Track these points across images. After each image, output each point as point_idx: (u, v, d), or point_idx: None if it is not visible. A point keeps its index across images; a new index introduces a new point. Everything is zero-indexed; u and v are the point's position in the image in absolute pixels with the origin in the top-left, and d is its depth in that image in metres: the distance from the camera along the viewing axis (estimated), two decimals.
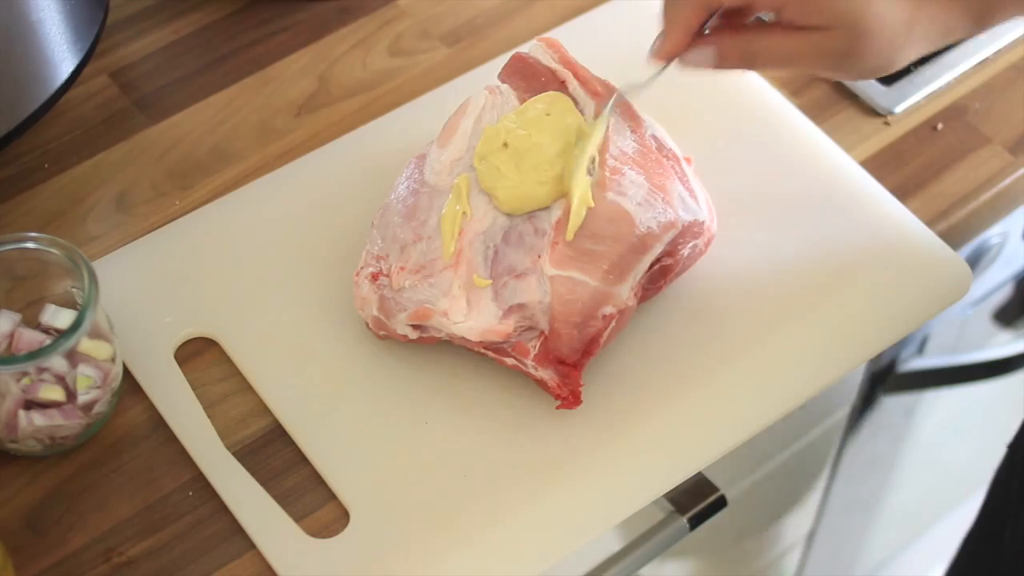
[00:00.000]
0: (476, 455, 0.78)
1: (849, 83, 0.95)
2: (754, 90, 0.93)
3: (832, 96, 0.95)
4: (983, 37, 0.97)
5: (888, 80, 0.95)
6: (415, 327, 0.78)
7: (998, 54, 0.97)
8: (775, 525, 1.21)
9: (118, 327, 0.79)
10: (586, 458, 0.78)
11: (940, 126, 0.94)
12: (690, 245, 0.81)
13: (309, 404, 0.79)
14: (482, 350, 0.78)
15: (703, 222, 0.81)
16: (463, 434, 0.78)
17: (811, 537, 1.27)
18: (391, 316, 0.78)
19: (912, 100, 0.94)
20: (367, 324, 0.80)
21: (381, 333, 0.79)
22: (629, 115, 0.82)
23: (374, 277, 0.78)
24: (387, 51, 0.96)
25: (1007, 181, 0.92)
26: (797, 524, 1.24)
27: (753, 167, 0.89)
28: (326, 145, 0.90)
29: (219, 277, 0.84)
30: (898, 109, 0.94)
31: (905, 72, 0.95)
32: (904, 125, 0.94)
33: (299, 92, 0.94)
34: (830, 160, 0.90)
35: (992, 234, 1.03)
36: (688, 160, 0.84)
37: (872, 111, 0.94)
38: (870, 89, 0.94)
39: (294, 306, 0.83)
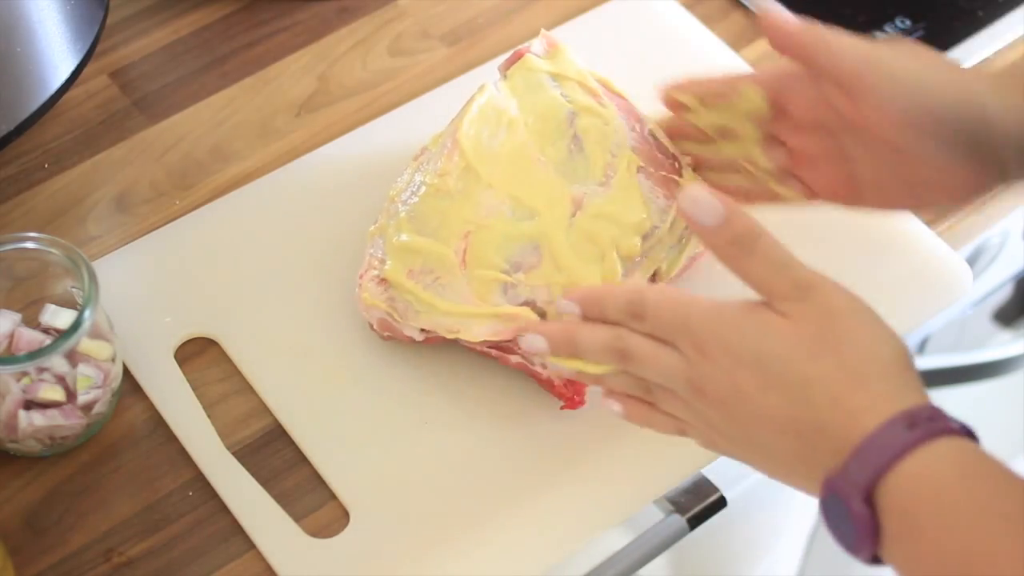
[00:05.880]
0: (477, 455, 0.78)
1: None
2: None
3: None
4: (983, 37, 0.97)
5: None
6: (423, 329, 0.78)
7: (998, 54, 0.97)
8: (775, 525, 1.21)
9: (118, 327, 0.79)
10: (586, 458, 0.78)
11: None
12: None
13: (309, 404, 0.79)
14: (486, 349, 0.78)
15: None
16: (463, 434, 0.78)
17: (811, 537, 1.27)
18: (404, 319, 0.78)
19: None
20: (371, 326, 0.80)
21: (386, 334, 0.79)
22: (630, 112, 0.82)
23: (382, 281, 0.78)
24: (387, 51, 0.96)
25: None
26: (797, 524, 1.24)
27: None
28: (326, 145, 0.90)
29: (219, 277, 0.84)
30: None
31: None
32: None
33: (299, 92, 0.94)
34: None
35: (992, 234, 1.03)
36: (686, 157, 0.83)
37: None
38: None
39: (294, 306, 0.83)
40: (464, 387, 0.80)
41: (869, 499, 0.60)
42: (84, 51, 0.88)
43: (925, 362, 1.15)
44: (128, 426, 0.79)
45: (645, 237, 0.78)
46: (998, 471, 0.61)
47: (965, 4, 0.99)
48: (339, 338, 0.81)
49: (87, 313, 0.74)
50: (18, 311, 0.79)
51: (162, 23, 0.97)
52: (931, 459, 0.60)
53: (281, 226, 0.86)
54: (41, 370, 0.76)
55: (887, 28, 0.98)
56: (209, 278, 0.84)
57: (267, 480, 0.77)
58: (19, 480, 0.77)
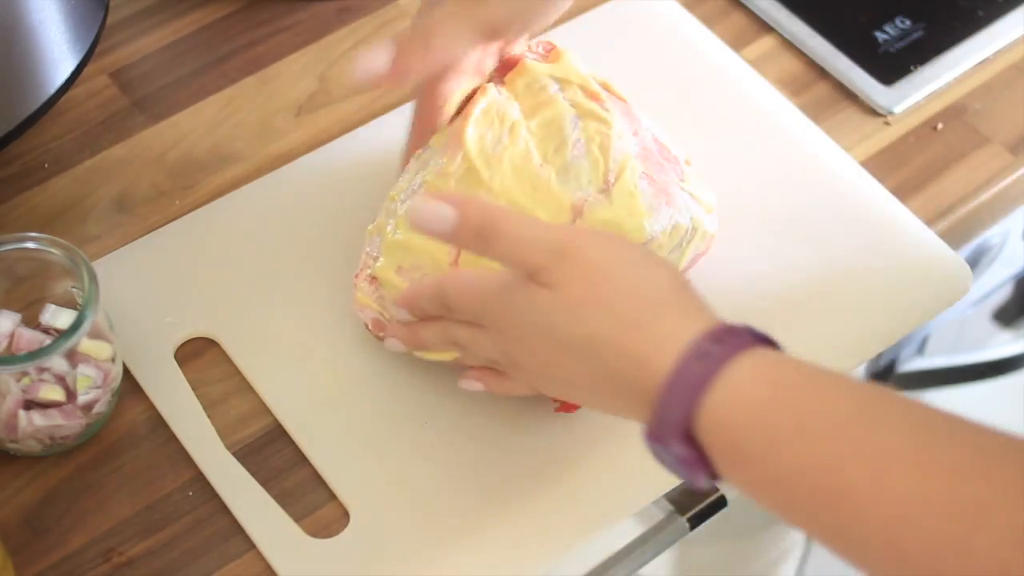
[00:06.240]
0: (476, 456, 0.78)
1: (849, 83, 0.95)
2: (754, 90, 0.93)
3: (832, 96, 0.95)
4: (983, 37, 0.97)
5: (888, 80, 0.95)
6: None
7: (998, 54, 0.97)
8: (775, 525, 1.21)
9: (118, 327, 0.79)
10: (586, 459, 0.78)
11: (940, 126, 0.94)
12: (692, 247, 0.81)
13: (309, 404, 0.79)
14: None
15: (704, 224, 0.81)
16: (463, 434, 0.78)
17: (811, 538, 1.27)
18: (393, 318, 0.78)
19: (912, 100, 0.94)
20: (367, 326, 0.80)
21: (380, 335, 0.79)
22: (628, 117, 0.82)
23: (373, 279, 0.78)
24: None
25: (1007, 181, 0.92)
26: None
27: (753, 168, 0.89)
28: (326, 145, 0.90)
29: (219, 277, 0.84)
30: (898, 109, 0.94)
31: (905, 72, 0.95)
32: (904, 125, 0.94)
33: (299, 92, 0.94)
34: (830, 160, 0.90)
35: (992, 234, 1.03)
36: (688, 163, 0.83)
37: (872, 111, 0.94)
38: (870, 89, 0.94)
39: (294, 306, 0.83)
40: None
41: (690, 438, 0.61)
42: (84, 51, 0.88)
43: (925, 362, 1.15)
44: (128, 426, 0.79)
45: (644, 244, 0.78)
46: (804, 374, 0.60)
47: (965, 4, 0.99)
48: (339, 338, 0.81)
49: (87, 313, 0.74)
50: (18, 311, 0.79)
51: (162, 23, 0.97)
52: (735, 383, 0.60)
53: (281, 226, 0.86)
54: (41, 370, 0.76)
55: (887, 28, 0.98)
56: (209, 278, 0.84)
57: (267, 480, 0.77)
58: (19, 480, 0.77)
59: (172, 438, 0.79)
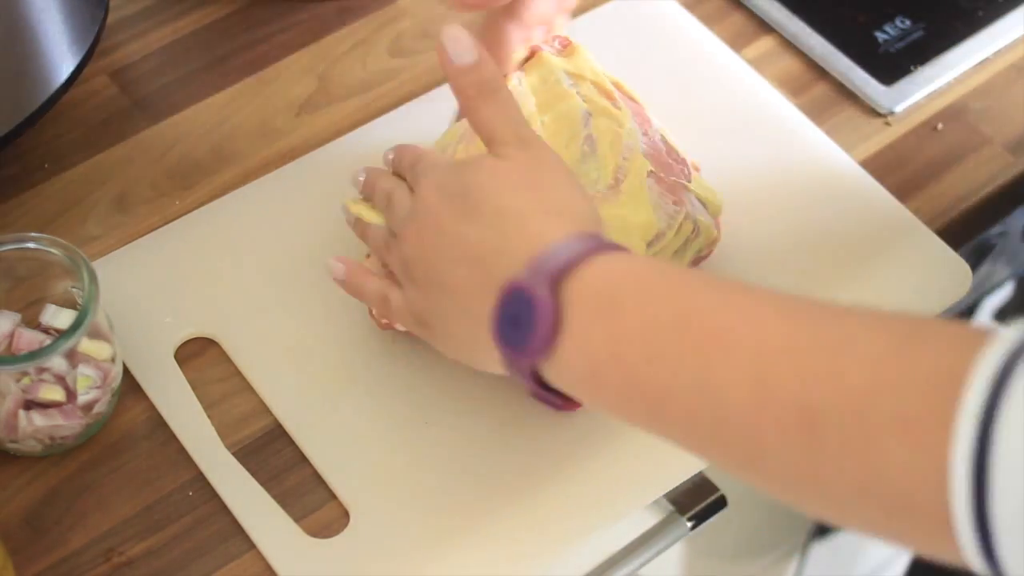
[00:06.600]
0: (476, 455, 0.78)
1: (849, 83, 0.95)
2: (754, 90, 0.93)
3: (832, 96, 0.95)
4: (983, 37, 0.97)
5: (888, 80, 0.95)
6: None
7: (998, 54, 0.97)
8: (775, 525, 1.21)
9: (118, 327, 0.79)
10: (586, 458, 0.78)
11: (940, 126, 0.94)
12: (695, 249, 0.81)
13: (309, 404, 0.79)
14: None
15: (709, 227, 0.81)
16: (463, 434, 0.78)
17: (811, 537, 1.27)
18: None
19: (912, 100, 0.94)
20: (370, 312, 0.80)
21: (384, 321, 0.79)
22: (639, 116, 0.82)
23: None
24: (387, 51, 0.96)
25: (1007, 181, 0.92)
26: (797, 524, 1.24)
27: (753, 168, 0.89)
28: (326, 145, 0.90)
29: (219, 277, 0.84)
30: (898, 109, 0.94)
31: (905, 72, 0.95)
32: (904, 125, 0.94)
33: (299, 92, 0.94)
34: (830, 160, 0.90)
35: (992, 234, 1.03)
36: (696, 168, 0.83)
37: (872, 111, 0.94)
38: (870, 89, 0.94)
39: (294, 306, 0.83)
40: (465, 387, 0.80)
41: (554, 291, 0.63)
42: (84, 51, 0.88)
43: None
44: (128, 426, 0.79)
45: (651, 243, 0.78)
46: (676, 266, 0.65)
47: (965, 4, 0.99)
48: (339, 338, 0.82)
49: (87, 313, 0.74)
50: (18, 311, 0.79)
51: (162, 23, 0.97)
52: (617, 258, 0.64)
53: (281, 226, 0.86)
54: (41, 370, 0.76)
55: (887, 28, 0.98)
56: (209, 278, 0.84)
57: (267, 480, 0.77)
58: (19, 480, 0.77)
59: (172, 438, 0.79)
